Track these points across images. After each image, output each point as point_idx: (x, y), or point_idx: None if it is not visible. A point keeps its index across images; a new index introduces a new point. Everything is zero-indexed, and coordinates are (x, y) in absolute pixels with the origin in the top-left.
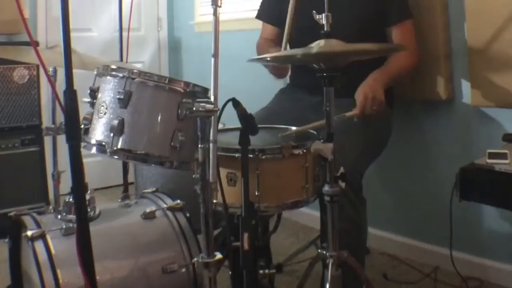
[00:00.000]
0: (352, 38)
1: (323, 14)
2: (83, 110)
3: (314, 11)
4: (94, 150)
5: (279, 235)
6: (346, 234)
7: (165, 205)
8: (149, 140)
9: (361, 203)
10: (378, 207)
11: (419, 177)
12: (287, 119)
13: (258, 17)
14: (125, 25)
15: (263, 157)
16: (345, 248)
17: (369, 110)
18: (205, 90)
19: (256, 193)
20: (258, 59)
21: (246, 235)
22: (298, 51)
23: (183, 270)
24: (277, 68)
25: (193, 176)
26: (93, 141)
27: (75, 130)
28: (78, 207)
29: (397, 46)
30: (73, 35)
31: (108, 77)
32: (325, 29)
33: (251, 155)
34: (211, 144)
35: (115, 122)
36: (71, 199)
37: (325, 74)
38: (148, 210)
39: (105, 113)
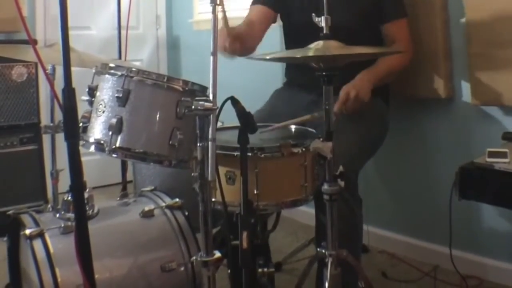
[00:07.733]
0: (350, 37)
1: (322, 17)
2: (82, 108)
3: (313, 14)
4: (92, 148)
5: (278, 234)
6: (341, 233)
7: (163, 204)
8: (147, 138)
9: (356, 202)
10: (377, 205)
11: (418, 176)
12: (281, 118)
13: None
14: (123, 23)
15: (262, 155)
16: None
17: (350, 107)
18: (204, 89)
19: (255, 192)
20: (257, 57)
21: (245, 234)
22: (297, 53)
23: (182, 268)
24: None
25: (192, 174)
26: (91, 140)
27: (73, 129)
28: (76, 205)
29: (394, 51)
30: (71, 33)
31: (107, 76)
32: (324, 31)
33: (250, 154)
34: (209, 143)
35: (114, 120)
36: (69, 198)
37: (324, 73)
38: (146, 208)
39: (103, 112)
